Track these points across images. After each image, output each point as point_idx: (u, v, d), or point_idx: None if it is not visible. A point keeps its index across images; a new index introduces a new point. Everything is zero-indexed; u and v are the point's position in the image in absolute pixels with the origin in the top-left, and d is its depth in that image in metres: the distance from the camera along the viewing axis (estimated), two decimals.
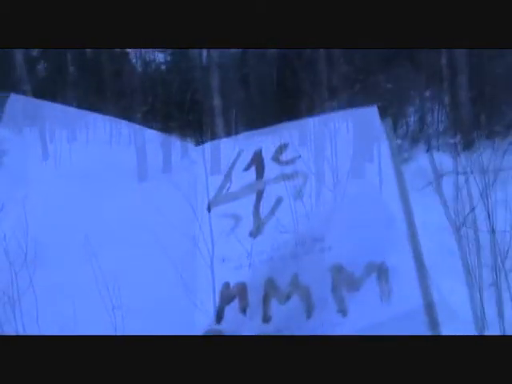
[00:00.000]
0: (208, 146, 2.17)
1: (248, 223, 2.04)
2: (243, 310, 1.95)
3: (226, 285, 2.00)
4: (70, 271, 2.96)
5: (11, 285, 2.94)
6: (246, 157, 2.07)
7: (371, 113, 2.01)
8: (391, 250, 1.87)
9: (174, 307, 2.21)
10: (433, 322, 1.80)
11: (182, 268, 2.25)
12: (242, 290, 1.96)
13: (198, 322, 2.07)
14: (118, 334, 2.32)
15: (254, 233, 2.05)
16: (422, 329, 1.80)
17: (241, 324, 1.93)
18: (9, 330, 2.66)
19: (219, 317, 1.98)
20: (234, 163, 2.07)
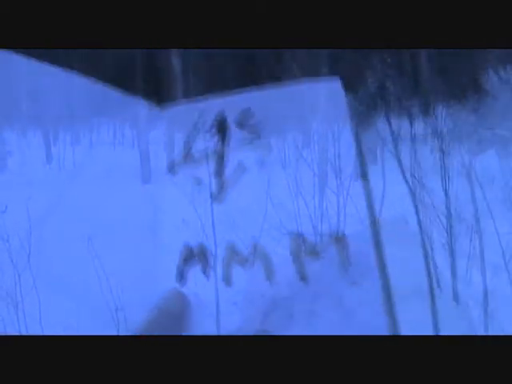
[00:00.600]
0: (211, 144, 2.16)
1: (210, 187, 2.03)
2: (204, 272, 1.95)
3: (187, 246, 2.00)
4: (73, 272, 2.97)
5: (14, 286, 2.95)
6: (209, 120, 2.07)
7: (334, 84, 2.03)
8: (350, 220, 1.90)
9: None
10: (388, 299, 1.81)
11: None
12: (202, 252, 1.96)
13: (198, 324, 2.08)
14: (121, 334, 2.33)
15: (217, 196, 2.05)
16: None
17: (202, 285, 1.94)
18: (12, 331, 2.67)
19: (180, 277, 1.98)
20: (196, 126, 2.06)
